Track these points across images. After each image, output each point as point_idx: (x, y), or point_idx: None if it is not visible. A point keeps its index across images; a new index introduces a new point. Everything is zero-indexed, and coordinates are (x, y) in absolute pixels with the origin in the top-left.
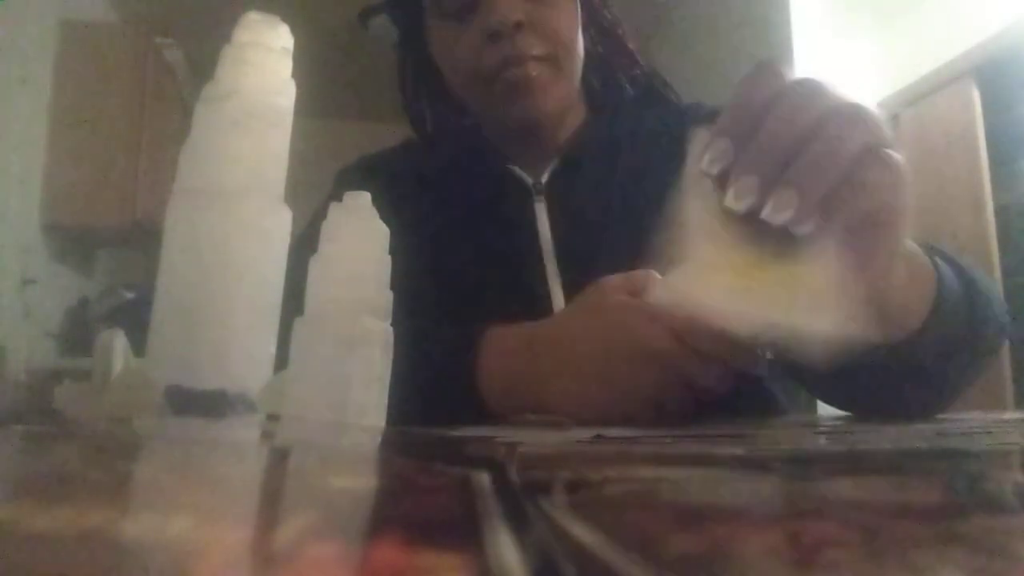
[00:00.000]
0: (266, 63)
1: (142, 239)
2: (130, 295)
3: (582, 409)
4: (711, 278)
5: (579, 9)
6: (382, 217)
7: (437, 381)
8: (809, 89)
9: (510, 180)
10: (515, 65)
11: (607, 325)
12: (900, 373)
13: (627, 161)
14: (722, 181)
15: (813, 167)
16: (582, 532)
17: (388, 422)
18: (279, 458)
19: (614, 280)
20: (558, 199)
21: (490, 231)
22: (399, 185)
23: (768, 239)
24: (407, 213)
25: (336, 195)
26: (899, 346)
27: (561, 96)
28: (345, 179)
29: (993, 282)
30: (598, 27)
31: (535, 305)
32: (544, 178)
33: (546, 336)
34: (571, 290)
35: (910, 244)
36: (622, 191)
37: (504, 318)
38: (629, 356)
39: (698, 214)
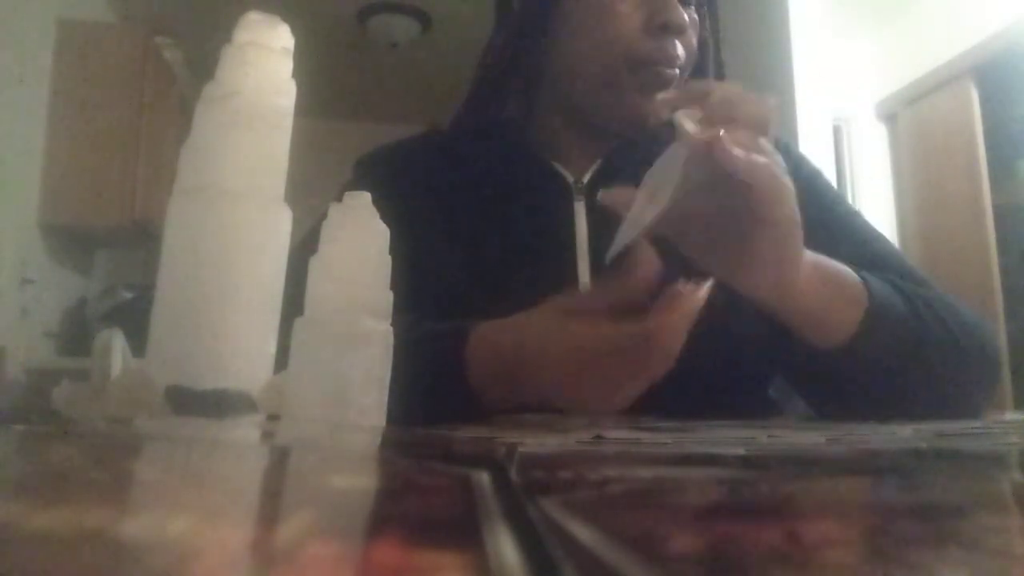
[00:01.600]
0: (266, 63)
1: (141, 239)
2: (129, 295)
3: (573, 402)
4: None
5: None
6: (404, 206)
7: (429, 378)
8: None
9: (552, 177)
10: (668, 65)
11: (568, 344)
12: (870, 382)
13: None
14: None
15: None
16: (582, 532)
17: (391, 420)
18: (279, 458)
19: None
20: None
21: (527, 226)
22: (426, 174)
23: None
24: (435, 202)
25: (354, 186)
26: (834, 354)
27: None
28: (365, 169)
29: (964, 315)
30: (709, 56)
31: None
32: (586, 178)
33: (525, 327)
34: None
35: (836, 268)
36: None
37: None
38: (600, 362)
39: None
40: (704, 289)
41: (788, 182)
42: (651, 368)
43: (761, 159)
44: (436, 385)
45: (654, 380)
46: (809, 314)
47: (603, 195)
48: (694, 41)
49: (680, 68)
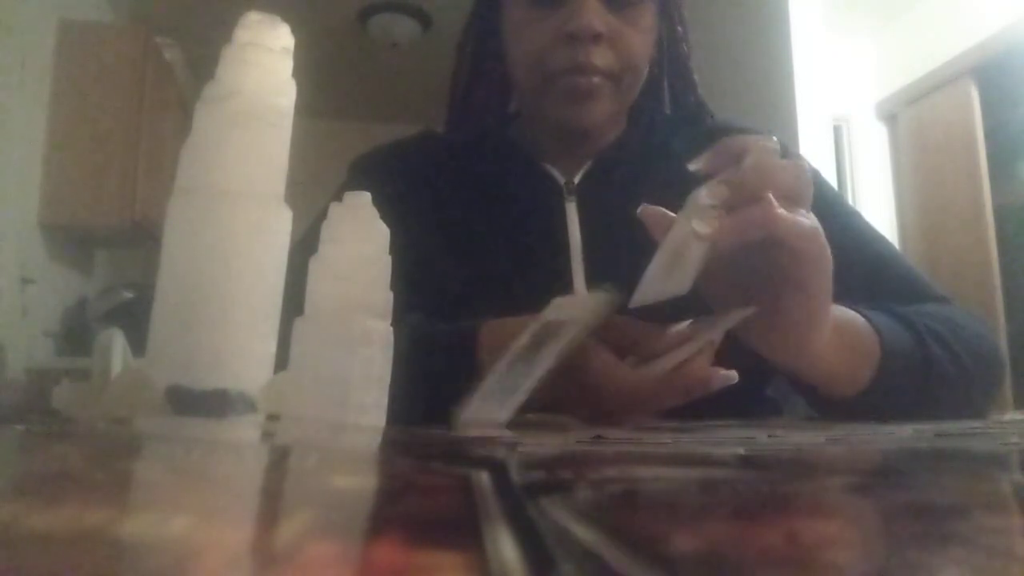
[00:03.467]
0: (266, 63)
1: (141, 239)
2: (129, 295)
3: (570, 413)
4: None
5: (655, 34)
6: (399, 207)
7: (441, 375)
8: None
9: (543, 177)
10: (580, 73)
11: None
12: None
13: (658, 171)
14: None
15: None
16: (582, 532)
17: (391, 420)
18: (279, 458)
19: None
20: (590, 200)
21: (519, 226)
22: (421, 175)
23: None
24: (429, 203)
25: (350, 186)
26: (851, 400)
27: (612, 111)
28: (360, 169)
29: (968, 330)
30: (670, 53)
31: None
32: (577, 179)
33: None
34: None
35: (852, 323)
36: (652, 199)
37: (525, 313)
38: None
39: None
40: (733, 376)
41: (829, 252)
42: (654, 410)
43: (808, 223)
44: (449, 381)
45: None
46: (825, 374)
47: (643, 209)
48: (632, 43)
49: (605, 75)
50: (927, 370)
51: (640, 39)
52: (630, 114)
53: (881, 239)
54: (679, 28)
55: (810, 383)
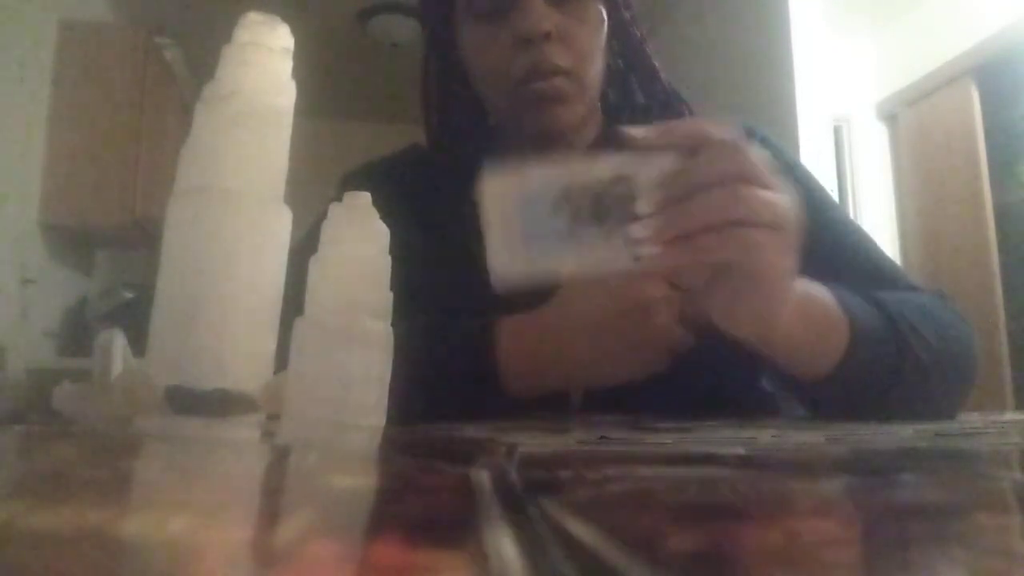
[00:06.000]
0: (266, 63)
1: (141, 239)
2: (129, 295)
3: (602, 372)
4: None
5: (605, 25)
6: (390, 220)
7: (456, 372)
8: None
9: None
10: (541, 77)
11: (600, 293)
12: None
13: None
14: None
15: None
16: (582, 532)
17: (404, 417)
18: (279, 457)
19: None
20: None
21: None
22: (409, 188)
23: None
24: (418, 215)
25: (340, 199)
26: (821, 383)
27: (581, 110)
28: (350, 183)
29: (942, 318)
30: (623, 42)
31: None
32: None
33: (555, 315)
34: None
35: (820, 303)
36: None
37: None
38: (628, 311)
39: None
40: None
41: (794, 228)
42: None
43: (770, 215)
44: (467, 379)
45: (674, 349)
46: (790, 354)
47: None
48: (582, 37)
49: (565, 73)
50: (898, 350)
51: (589, 32)
52: (606, 112)
53: (858, 230)
54: (625, 13)
55: (777, 361)
